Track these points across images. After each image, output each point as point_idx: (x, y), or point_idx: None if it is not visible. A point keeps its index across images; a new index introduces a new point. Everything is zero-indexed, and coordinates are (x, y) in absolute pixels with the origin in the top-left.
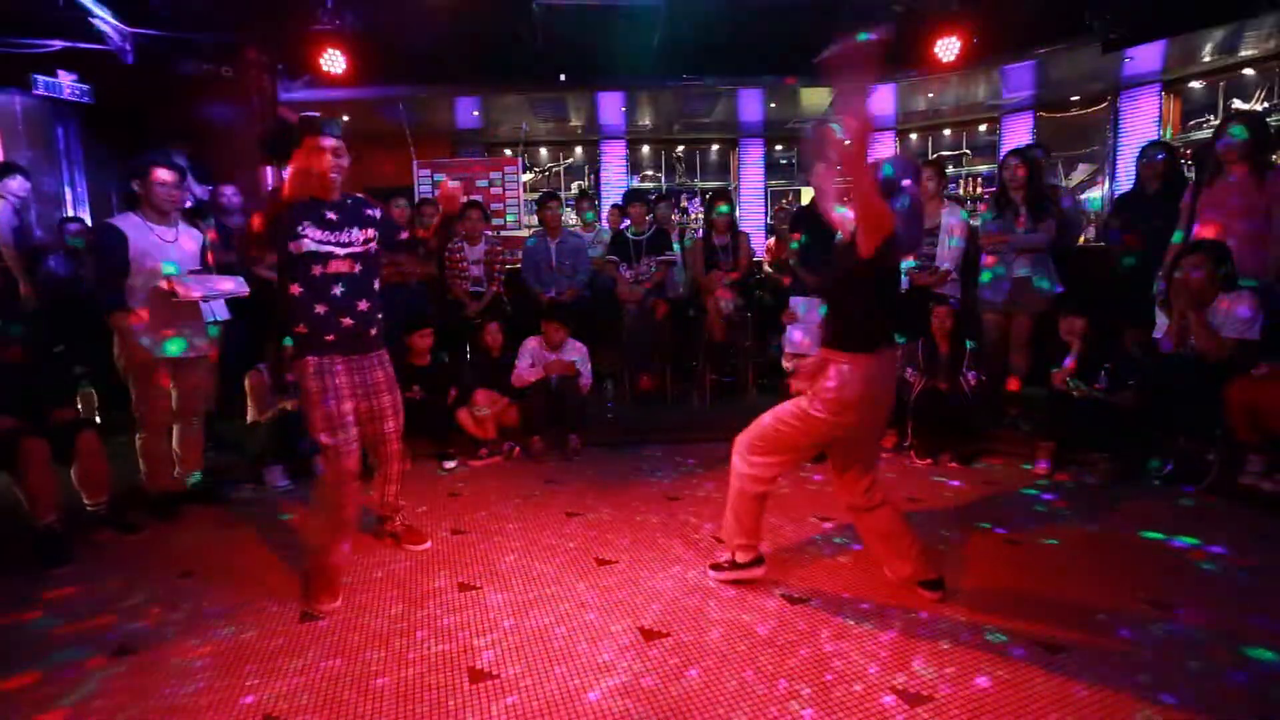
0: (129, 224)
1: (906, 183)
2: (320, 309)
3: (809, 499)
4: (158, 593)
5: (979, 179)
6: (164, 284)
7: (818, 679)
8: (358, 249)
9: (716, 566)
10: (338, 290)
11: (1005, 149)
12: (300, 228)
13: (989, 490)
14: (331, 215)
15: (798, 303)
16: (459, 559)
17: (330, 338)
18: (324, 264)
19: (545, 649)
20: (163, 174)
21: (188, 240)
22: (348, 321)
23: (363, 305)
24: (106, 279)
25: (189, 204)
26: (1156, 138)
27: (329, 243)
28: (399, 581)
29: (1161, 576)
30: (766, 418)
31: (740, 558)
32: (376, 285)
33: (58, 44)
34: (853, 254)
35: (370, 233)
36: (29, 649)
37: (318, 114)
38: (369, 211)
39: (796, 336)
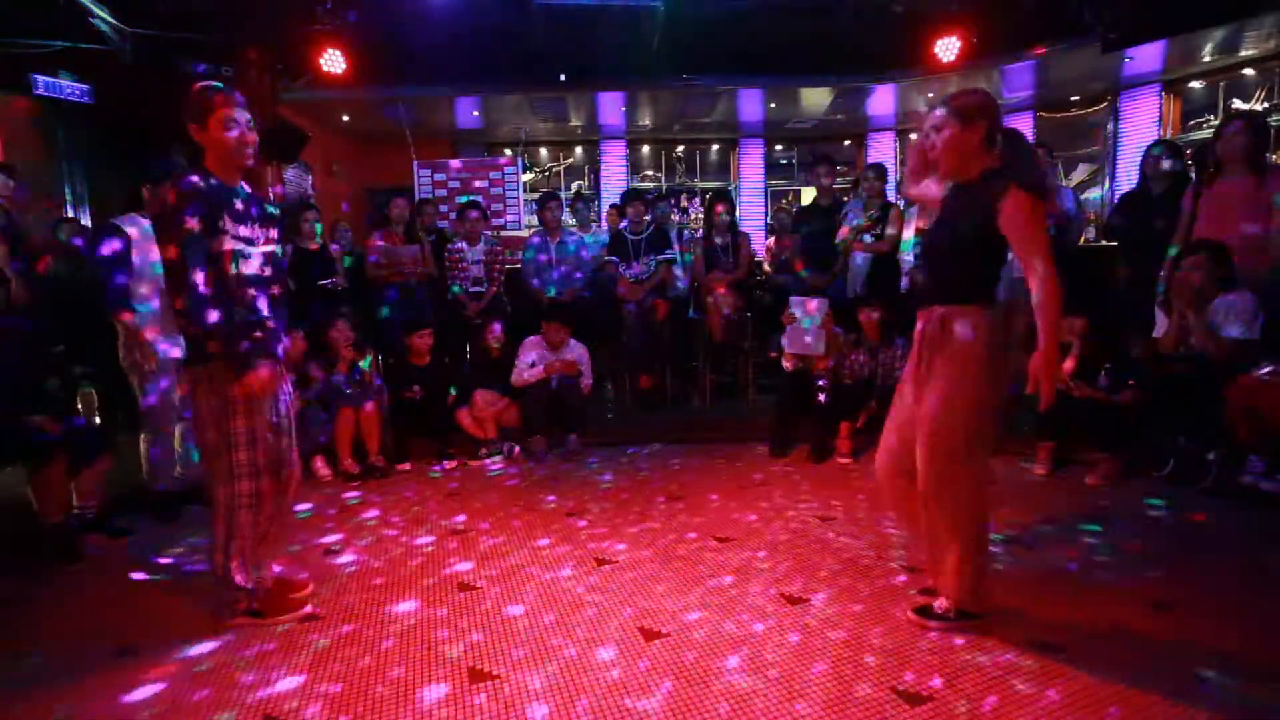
0: (131, 225)
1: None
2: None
3: (808, 500)
4: (158, 593)
5: None
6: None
7: (817, 679)
8: (268, 249)
9: (927, 613)
10: (251, 293)
11: None
12: (220, 221)
13: (988, 490)
14: (239, 205)
15: (798, 303)
16: (458, 559)
17: (259, 334)
18: (238, 264)
19: (545, 649)
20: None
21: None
22: (258, 335)
23: (270, 322)
24: (110, 279)
25: None
26: (1157, 138)
27: (243, 239)
28: (398, 582)
29: (1162, 576)
30: (927, 442)
31: (972, 606)
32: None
33: (58, 44)
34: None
35: (275, 234)
36: (29, 649)
37: (220, 82)
38: (271, 210)
39: (800, 337)
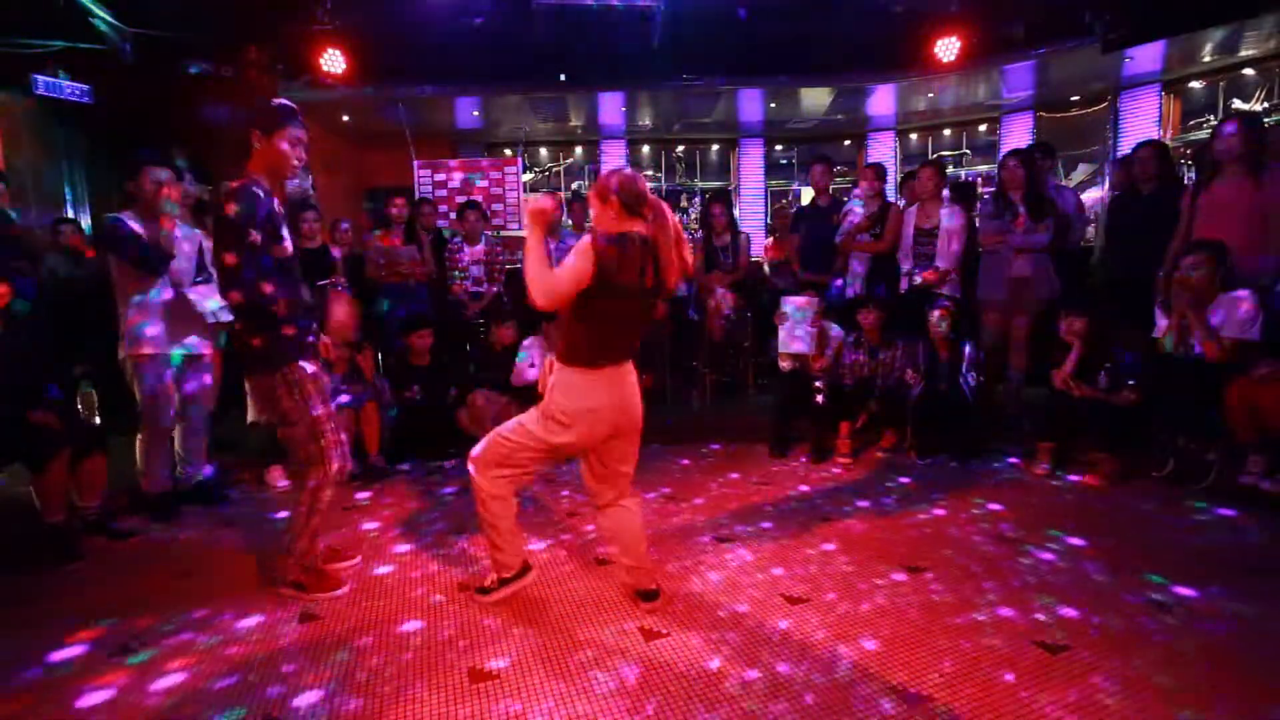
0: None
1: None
2: (298, 313)
3: (808, 500)
4: (157, 592)
5: (979, 179)
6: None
7: (817, 678)
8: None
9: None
10: (304, 293)
11: (1005, 149)
12: (280, 227)
13: (989, 491)
14: (280, 213)
15: (789, 303)
16: (458, 559)
17: (311, 339)
18: (293, 264)
19: (544, 648)
20: (157, 174)
21: (183, 242)
22: (315, 327)
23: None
24: (142, 255)
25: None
26: (1155, 138)
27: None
28: (398, 583)
29: (1162, 576)
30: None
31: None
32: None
33: (58, 44)
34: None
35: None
36: (31, 648)
37: (289, 102)
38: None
39: (789, 336)
